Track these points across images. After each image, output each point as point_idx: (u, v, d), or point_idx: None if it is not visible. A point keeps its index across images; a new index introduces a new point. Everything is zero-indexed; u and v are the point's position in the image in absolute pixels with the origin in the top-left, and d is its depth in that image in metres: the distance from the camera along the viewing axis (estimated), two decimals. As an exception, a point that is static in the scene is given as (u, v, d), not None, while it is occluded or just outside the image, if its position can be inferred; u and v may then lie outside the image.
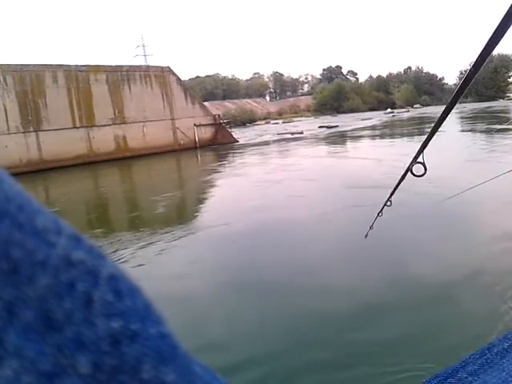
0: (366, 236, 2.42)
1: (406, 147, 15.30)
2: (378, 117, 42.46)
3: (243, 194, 9.66)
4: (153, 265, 5.23)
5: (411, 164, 1.21)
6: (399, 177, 1.44)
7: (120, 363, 0.18)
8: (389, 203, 1.86)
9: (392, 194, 1.74)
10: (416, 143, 17.34)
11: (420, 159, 1.20)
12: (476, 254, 4.62)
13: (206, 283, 4.48)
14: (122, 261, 5.27)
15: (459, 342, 2.80)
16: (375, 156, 13.35)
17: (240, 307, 3.86)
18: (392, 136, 21.95)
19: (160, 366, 0.19)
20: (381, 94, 73.57)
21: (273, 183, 10.44)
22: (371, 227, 2.39)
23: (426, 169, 1.19)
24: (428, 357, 2.72)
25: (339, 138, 23.14)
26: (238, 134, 30.36)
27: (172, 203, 9.63)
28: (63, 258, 0.18)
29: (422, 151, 1.18)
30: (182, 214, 8.87)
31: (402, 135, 21.73)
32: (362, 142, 20.17)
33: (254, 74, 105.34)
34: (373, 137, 22.69)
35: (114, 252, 5.72)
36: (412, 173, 1.20)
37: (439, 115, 1.09)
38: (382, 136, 22.64)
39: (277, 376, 2.89)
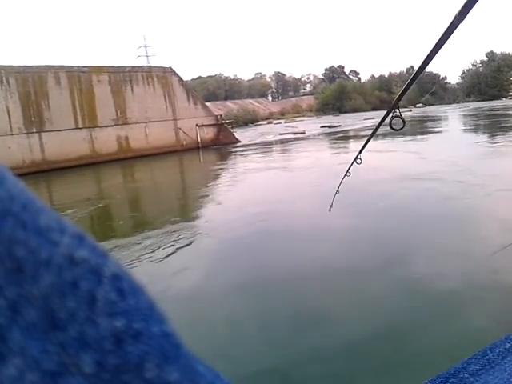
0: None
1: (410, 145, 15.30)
2: (380, 116, 42.37)
3: (254, 193, 9.66)
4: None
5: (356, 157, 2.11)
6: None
7: (123, 362, 0.18)
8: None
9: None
10: (420, 142, 17.32)
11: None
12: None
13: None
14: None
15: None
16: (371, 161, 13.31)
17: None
18: (394, 136, 21.89)
19: (163, 365, 0.19)
20: (383, 94, 73.43)
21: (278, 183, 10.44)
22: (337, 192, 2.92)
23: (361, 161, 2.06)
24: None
25: (341, 138, 23.11)
26: (240, 134, 30.37)
27: (175, 205, 9.64)
28: (66, 256, 0.18)
29: (363, 149, 2.10)
30: (186, 212, 8.87)
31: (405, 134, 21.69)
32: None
33: (256, 74, 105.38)
34: (375, 137, 22.62)
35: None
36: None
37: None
38: (384, 136, 22.57)
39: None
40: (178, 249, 5.78)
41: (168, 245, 5.97)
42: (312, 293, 4.05)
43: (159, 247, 5.90)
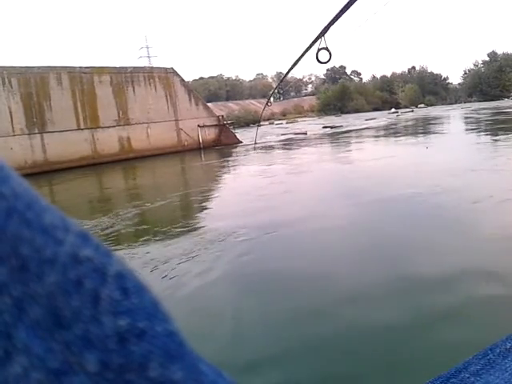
0: None
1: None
2: (382, 117, 42.34)
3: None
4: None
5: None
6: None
7: (127, 361, 0.18)
8: None
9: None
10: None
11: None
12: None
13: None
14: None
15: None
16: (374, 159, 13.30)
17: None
18: (397, 136, 21.87)
19: (167, 364, 0.19)
20: (385, 94, 73.43)
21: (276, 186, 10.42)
22: None
23: None
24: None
25: (343, 139, 23.09)
26: (241, 134, 30.37)
27: (174, 206, 9.64)
28: (71, 255, 0.18)
29: None
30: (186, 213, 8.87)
31: (408, 135, 21.67)
32: (364, 143, 20.12)
33: (258, 74, 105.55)
34: (377, 138, 22.62)
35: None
36: None
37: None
38: (386, 138, 22.56)
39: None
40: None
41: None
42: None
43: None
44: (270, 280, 4.40)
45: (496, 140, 14.71)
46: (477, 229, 5.37)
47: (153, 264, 5.18)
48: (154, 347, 0.18)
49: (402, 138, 20.55)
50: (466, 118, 30.36)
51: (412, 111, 52.37)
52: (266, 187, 9.89)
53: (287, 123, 52.61)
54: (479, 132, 18.96)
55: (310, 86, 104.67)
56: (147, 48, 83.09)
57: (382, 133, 24.76)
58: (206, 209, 8.87)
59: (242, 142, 26.56)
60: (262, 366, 2.95)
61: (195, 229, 6.92)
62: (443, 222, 5.63)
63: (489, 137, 16.37)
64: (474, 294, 3.56)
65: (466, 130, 21.47)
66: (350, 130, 28.29)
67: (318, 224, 6.24)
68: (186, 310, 3.80)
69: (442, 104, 67.22)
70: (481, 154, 11.65)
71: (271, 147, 22.74)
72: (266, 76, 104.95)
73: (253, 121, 57.33)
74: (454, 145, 14.75)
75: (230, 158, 19.29)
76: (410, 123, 30.98)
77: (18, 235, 0.17)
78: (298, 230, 6.14)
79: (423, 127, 26.32)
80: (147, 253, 5.70)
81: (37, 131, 20.64)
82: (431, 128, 24.85)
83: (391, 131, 25.09)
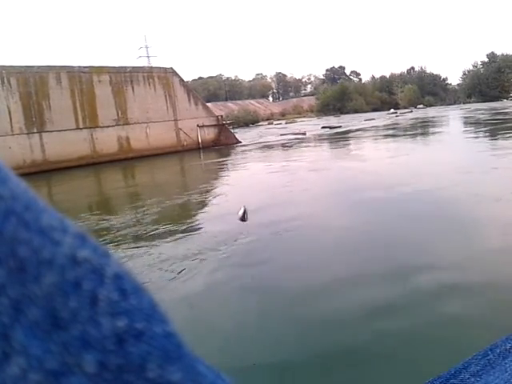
0: None
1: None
2: (381, 117, 42.32)
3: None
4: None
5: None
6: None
7: (125, 362, 0.18)
8: None
9: None
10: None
11: None
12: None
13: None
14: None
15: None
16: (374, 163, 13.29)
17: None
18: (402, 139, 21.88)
19: (165, 365, 0.19)
20: (384, 95, 73.44)
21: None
22: None
23: None
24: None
25: (343, 139, 23.11)
26: (241, 134, 30.37)
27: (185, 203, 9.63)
28: (69, 256, 0.18)
29: None
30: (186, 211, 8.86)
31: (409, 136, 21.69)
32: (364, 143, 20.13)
33: (257, 74, 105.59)
34: (376, 138, 22.63)
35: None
36: None
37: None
38: (386, 138, 22.56)
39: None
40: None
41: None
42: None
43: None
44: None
45: (499, 140, 14.75)
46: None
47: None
48: (152, 348, 0.18)
49: (403, 137, 20.57)
50: (467, 118, 30.41)
51: (411, 112, 52.36)
52: (274, 185, 9.91)
53: (286, 123, 52.56)
54: (481, 132, 18.98)
55: (309, 86, 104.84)
56: (146, 48, 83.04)
57: (382, 133, 24.74)
58: (219, 205, 8.86)
59: (241, 142, 26.56)
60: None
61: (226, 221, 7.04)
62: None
63: (492, 136, 16.42)
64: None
65: (469, 130, 21.49)
66: (349, 131, 28.29)
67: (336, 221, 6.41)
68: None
69: (441, 105, 67.27)
70: (490, 152, 11.65)
71: (271, 147, 22.72)
72: (266, 76, 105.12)
73: (252, 121, 57.36)
74: (459, 144, 14.81)
75: (230, 158, 19.27)
76: (410, 123, 30.99)
77: (15, 236, 0.17)
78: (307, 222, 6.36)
79: (424, 127, 26.35)
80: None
81: (36, 130, 20.61)
82: (432, 128, 24.89)
83: (391, 131, 25.09)
